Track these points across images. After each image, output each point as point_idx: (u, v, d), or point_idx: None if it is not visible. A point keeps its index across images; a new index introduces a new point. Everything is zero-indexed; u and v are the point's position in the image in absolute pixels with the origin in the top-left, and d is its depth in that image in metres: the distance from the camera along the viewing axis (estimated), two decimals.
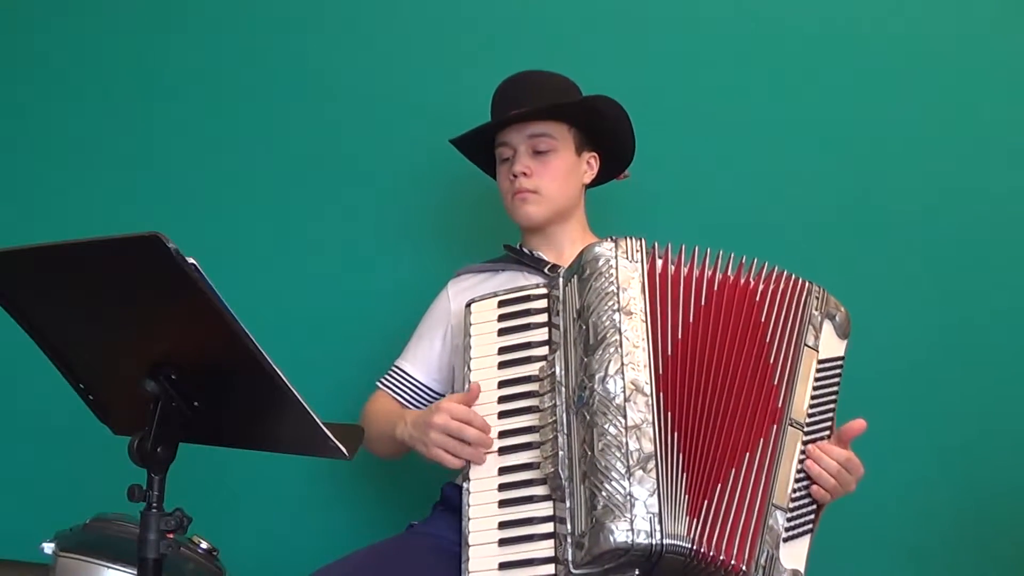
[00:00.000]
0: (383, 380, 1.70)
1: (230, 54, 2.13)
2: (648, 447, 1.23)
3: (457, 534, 1.37)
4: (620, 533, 1.18)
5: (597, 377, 1.27)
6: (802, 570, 1.29)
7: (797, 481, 1.32)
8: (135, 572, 1.11)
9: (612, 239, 1.35)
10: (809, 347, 1.37)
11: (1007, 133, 1.88)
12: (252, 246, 2.06)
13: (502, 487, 1.34)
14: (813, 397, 1.35)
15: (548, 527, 1.28)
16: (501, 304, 1.43)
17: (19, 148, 2.18)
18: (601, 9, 2.02)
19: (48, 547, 1.42)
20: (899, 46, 1.92)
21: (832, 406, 1.39)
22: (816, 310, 1.39)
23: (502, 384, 1.39)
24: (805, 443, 1.33)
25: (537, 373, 1.36)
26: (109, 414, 1.23)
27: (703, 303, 1.34)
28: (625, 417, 1.24)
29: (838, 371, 1.41)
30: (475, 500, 1.35)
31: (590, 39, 2.01)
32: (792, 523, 1.30)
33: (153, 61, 2.16)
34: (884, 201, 1.89)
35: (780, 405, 1.32)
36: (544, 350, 1.37)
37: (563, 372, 1.33)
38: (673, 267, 1.35)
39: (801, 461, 1.32)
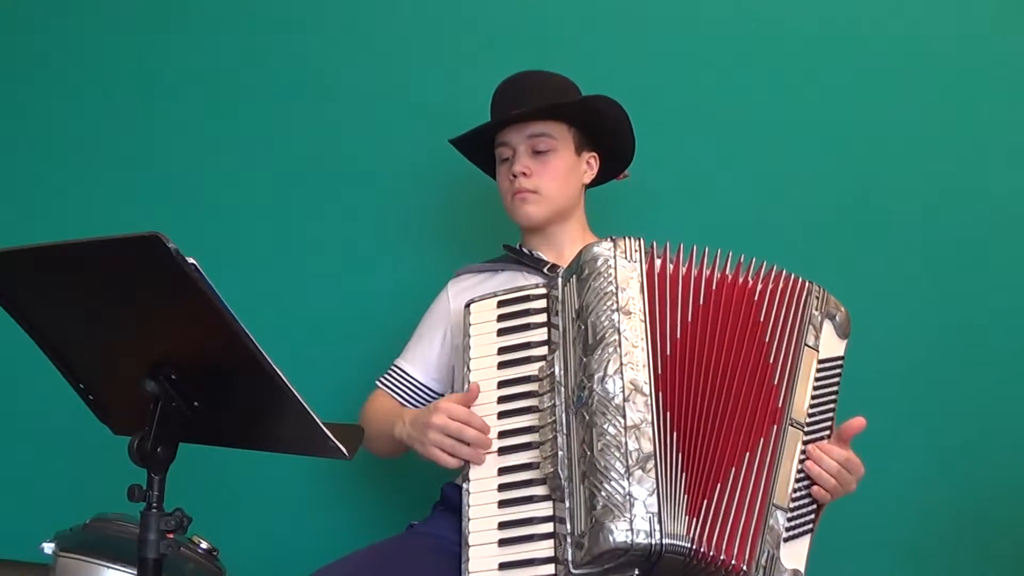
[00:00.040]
0: (382, 379, 1.70)
1: (230, 54, 2.13)
2: (647, 447, 1.23)
3: (457, 534, 1.37)
4: (619, 533, 1.19)
5: (596, 377, 1.27)
6: (802, 570, 1.29)
7: (797, 481, 1.32)
8: (135, 572, 1.11)
9: (611, 239, 1.35)
10: (809, 347, 1.37)
11: (1007, 133, 1.88)
12: (252, 246, 2.06)
13: (502, 487, 1.34)
14: (813, 397, 1.35)
15: (548, 527, 1.28)
16: (500, 304, 1.44)
17: (19, 148, 2.18)
18: (601, 9, 2.02)
19: (48, 547, 1.42)
20: (899, 46, 1.92)
21: (832, 406, 1.39)
22: (816, 310, 1.39)
23: (501, 384, 1.39)
24: (805, 443, 1.33)
25: (536, 373, 1.36)
26: (109, 414, 1.23)
27: (702, 302, 1.34)
28: (624, 417, 1.24)
29: (838, 371, 1.41)
30: (475, 500, 1.35)
31: (590, 39, 2.01)
32: (792, 523, 1.30)
33: (153, 61, 2.16)
34: (884, 201, 1.89)
35: (780, 405, 1.32)
36: (543, 350, 1.37)
37: (562, 372, 1.33)
38: (672, 267, 1.35)
39: (801, 461, 1.32)
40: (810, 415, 1.35)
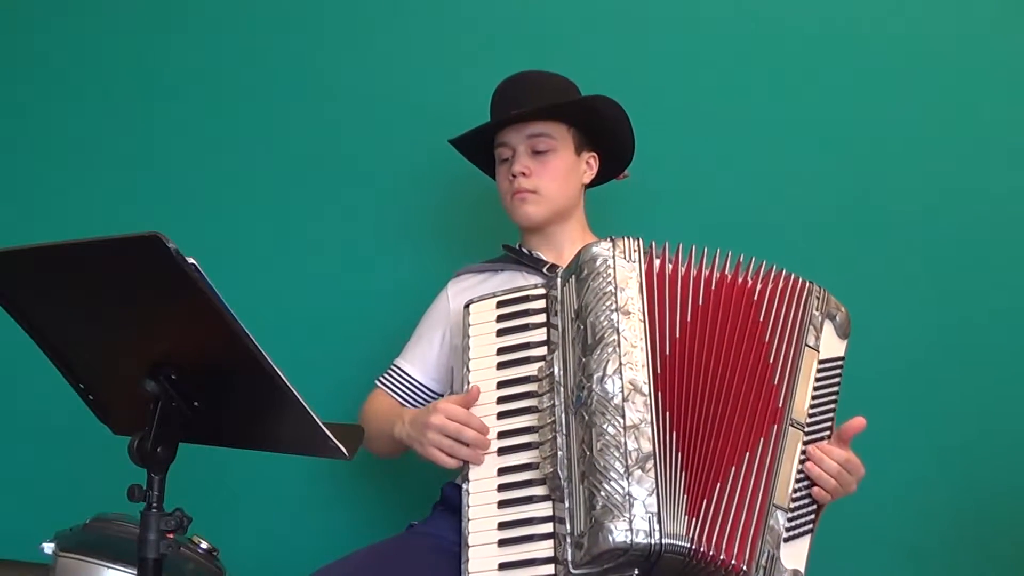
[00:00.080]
0: (382, 379, 1.70)
1: (230, 54, 2.13)
2: (647, 447, 1.23)
3: (457, 534, 1.37)
4: (619, 533, 1.19)
5: (595, 377, 1.27)
6: (802, 570, 1.29)
7: (798, 481, 1.31)
8: (135, 572, 1.12)
9: (610, 239, 1.35)
10: (810, 347, 1.37)
11: (1007, 133, 1.88)
12: (252, 246, 2.06)
13: (501, 487, 1.34)
14: (814, 397, 1.35)
15: (547, 527, 1.28)
16: (500, 305, 1.44)
17: (19, 148, 2.18)
18: (601, 9, 2.02)
19: (48, 547, 1.42)
20: (899, 46, 1.92)
21: (833, 406, 1.39)
22: (817, 310, 1.39)
23: (501, 385, 1.39)
24: (806, 443, 1.33)
25: (536, 373, 1.36)
26: (109, 414, 1.23)
27: (701, 302, 1.34)
28: (623, 417, 1.24)
29: (838, 371, 1.41)
30: (474, 501, 1.35)
31: (590, 39, 2.01)
32: (793, 523, 1.29)
33: (153, 61, 2.16)
34: (884, 201, 1.89)
35: (780, 405, 1.32)
36: (543, 350, 1.37)
37: (561, 372, 1.33)
38: (671, 267, 1.35)
39: (802, 461, 1.32)
40: (810, 415, 1.35)
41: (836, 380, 1.40)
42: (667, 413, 1.27)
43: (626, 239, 1.35)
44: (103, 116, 2.16)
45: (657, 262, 1.35)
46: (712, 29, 1.98)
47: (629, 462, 1.22)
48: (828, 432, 1.37)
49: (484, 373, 1.41)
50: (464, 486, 1.37)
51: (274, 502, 1.99)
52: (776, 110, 1.94)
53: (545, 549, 1.27)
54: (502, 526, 1.31)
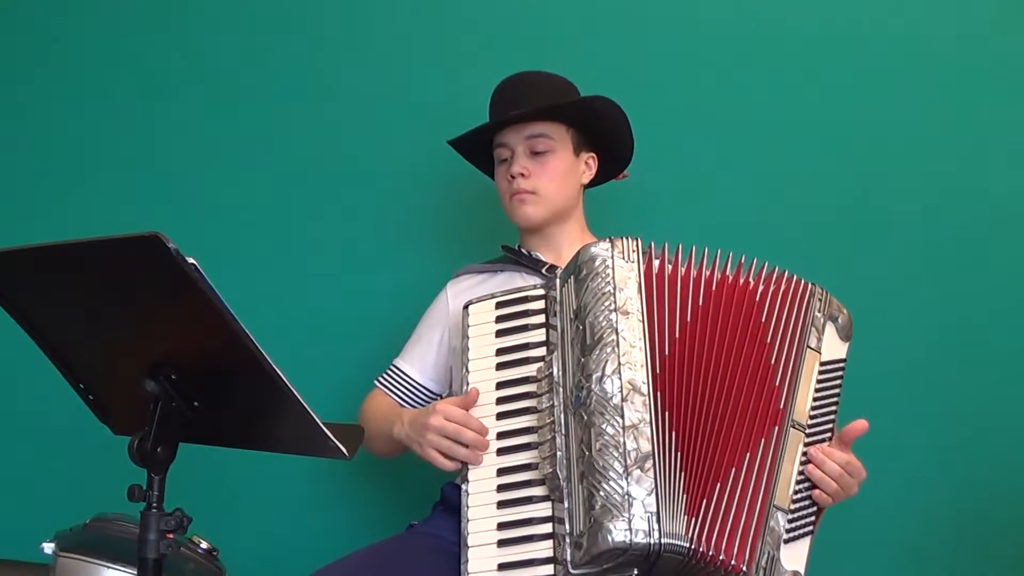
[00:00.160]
0: (381, 379, 1.70)
1: (230, 54, 2.13)
2: (646, 446, 1.23)
3: (457, 534, 1.37)
4: (618, 533, 1.19)
5: (594, 377, 1.27)
6: (802, 572, 1.29)
7: (798, 483, 1.31)
8: (135, 572, 1.12)
9: (609, 239, 1.35)
10: (812, 349, 1.37)
11: (1007, 133, 1.88)
12: (252, 246, 2.06)
13: (501, 488, 1.34)
14: (815, 399, 1.35)
15: (547, 527, 1.28)
16: (499, 305, 1.44)
17: (19, 148, 2.18)
18: (601, 9, 2.02)
19: (48, 547, 1.42)
20: (899, 46, 1.92)
21: (834, 408, 1.39)
22: (819, 312, 1.39)
23: (500, 385, 1.39)
24: (807, 445, 1.33)
25: (535, 374, 1.36)
26: (109, 414, 1.23)
27: (701, 303, 1.34)
28: (622, 417, 1.24)
29: (840, 373, 1.41)
30: (474, 501, 1.35)
31: (590, 39, 2.01)
32: (793, 524, 1.29)
33: (153, 61, 2.16)
34: (884, 201, 1.89)
35: (782, 406, 1.32)
36: (542, 351, 1.37)
37: (561, 372, 1.33)
38: (670, 267, 1.35)
39: (803, 463, 1.32)
40: (812, 417, 1.34)
41: (838, 382, 1.40)
42: (666, 413, 1.27)
43: (625, 239, 1.35)
44: (103, 116, 2.16)
45: (656, 262, 1.35)
46: (712, 29, 1.97)
47: (628, 462, 1.22)
48: (829, 434, 1.37)
49: (483, 374, 1.41)
50: (463, 486, 1.37)
51: (274, 502, 1.99)
52: (776, 110, 1.94)
53: (544, 549, 1.27)
54: (501, 526, 1.31)
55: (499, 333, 1.42)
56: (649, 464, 1.22)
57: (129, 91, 2.16)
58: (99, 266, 1.07)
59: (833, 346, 1.40)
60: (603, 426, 1.24)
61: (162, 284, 1.01)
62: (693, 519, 1.24)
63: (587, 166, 1.69)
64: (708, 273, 1.36)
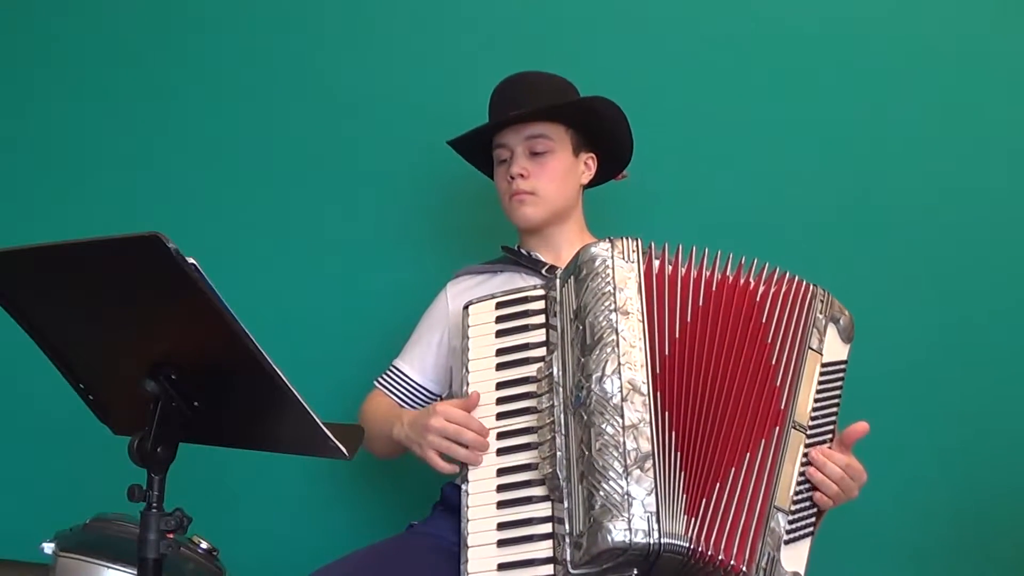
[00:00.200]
0: (380, 379, 1.70)
1: (230, 54, 2.13)
2: (645, 446, 1.23)
3: (457, 534, 1.37)
4: (618, 532, 1.18)
5: (594, 377, 1.27)
6: (802, 573, 1.29)
7: (799, 484, 1.31)
8: (135, 572, 1.12)
9: (609, 239, 1.35)
10: (813, 350, 1.37)
11: (1007, 133, 1.88)
12: (252, 246, 2.06)
13: (500, 488, 1.34)
14: (816, 400, 1.35)
15: (547, 527, 1.28)
16: (499, 306, 1.44)
17: (19, 148, 2.18)
18: (601, 9, 2.02)
19: (48, 547, 1.42)
20: (899, 46, 1.92)
21: (835, 410, 1.39)
22: (820, 313, 1.39)
23: (500, 385, 1.39)
24: (808, 446, 1.33)
25: (535, 374, 1.36)
26: (109, 414, 1.23)
27: (701, 303, 1.34)
28: (622, 417, 1.24)
29: (841, 375, 1.40)
30: (474, 501, 1.35)
31: (590, 39, 2.01)
32: (794, 525, 1.29)
33: (153, 61, 2.16)
34: (884, 201, 1.89)
35: (783, 407, 1.32)
36: (542, 351, 1.37)
37: (560, 373, 1.33)
38: (670, 267, 1.35)
39: (804, 464, 1.32)
40: (813, 418, 1.34)
41: (839, 383, 1.40)
42: (666, 413, 1.27)
43: (625, 239, 1.35)
44: (103, 116, 2.16)
45: (656, 262, 1.35)
46: (712, 29, 1.97)
47: (628, 462, 1.22)
48: (830, 435, 1.37)
49: (483, 374, 1.41)
50: (463, 487, 1.37)
51: (274, 502, 1.99)
52: (776, 110, 1.94)
53: (544, 549, 1.27)
54: (501, 526, 1.31)
55: (499, 333, 1.42)
56: (649, 464, 1.22)
57: (129, 91, 2.16)
58: (99, 266, 1.07)
59: (835, 347, 1.40)
60: (603, 426, 1.24)
61: (162, 284, 1.01)
62: (693, 519, 1.24)
63: (586, 166, 1.69)
64: (708, 273, 1.36)
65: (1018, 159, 1.87)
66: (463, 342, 1.44)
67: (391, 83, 2.06)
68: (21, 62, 2.20)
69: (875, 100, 1.91)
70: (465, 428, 1.36)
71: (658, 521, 1.20)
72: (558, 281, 1.39)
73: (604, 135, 1.68)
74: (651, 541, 1.19)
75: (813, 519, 1.33)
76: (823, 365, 1.37)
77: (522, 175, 1.61)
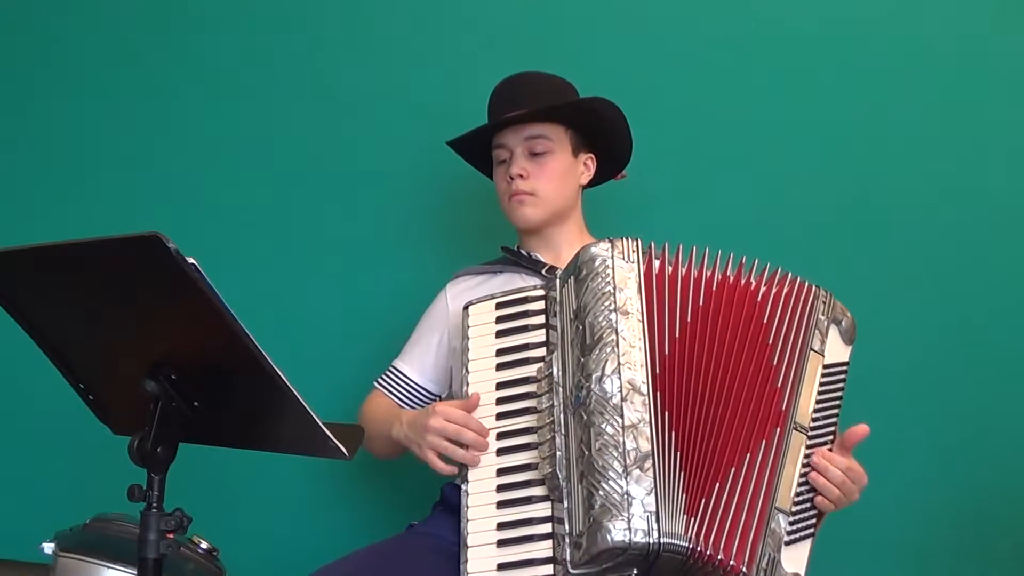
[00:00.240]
0: (380, 380, 1.70)
1: (230, 54, 2.13)
2: (645, 446, 1.23)
3: (457, 534, 1.37)
4: (617, 532, 1.18)
5: (594, 377, 1.27)
6: (803, 574, 1.29)
7: (800, 485, 1.31)
8: (135, 572, 1.12)
9: (608, 240, 1.35)
10: (814, 351, 1.37)
11: (1007, 133, 1.88)
12: (252, 246, 2.06)
13: (500, 488, 1.34)
14: (818, 402, 1.35)
15: (546, 527, 1.28)
16: (499, 306, 1.44)
17: (19, 148, 2.18)
18: (601, 9, 2.02)
19: (48, 547, 1.42)
20: (899, 46, 1.92)
21: (836, 412, 1.38)
22: (822, 315, 1.39)
23: (500, 385, 1.39)
24: (809, 447, 1.33)
25: (535, 374, 1.36)
26: (109, 414, 1.23)
27: (702, 303, 1.34)
28: (622, 416, 1.24)
29: (843, 377, 1.40)
30: (473, 501, 1.35)
31: (590, 39, 2.01)
32: (794, 526, 1.29)
33: (153, 61, 2.16)
34: (884, 201, 1.89)
35: (784, 408, 1.32)
36: (542, 351, 1.37)
37: (560, 373, 1.33)
38: (670, 267, 1.35)
39: (805, 465, 1.32)
40: (814, 420, 1.34)
41: (840, 385, 1.40)
42: (666, 413, 1.27)
43: (625, 239, 1.35)
44: (103, 116, 2.16)
45: (656, 263, 1.35)
46: (712, 29, 1.97)
47: (627, 461, 1.22)
48: (832, 437, 1.37)
49: (483, 374, 1.41)
50: (463, 487, 1.37)
51: (274, 502, 1.99)
52: (776, 110, 1.94)
53: (544, 549, 1.27)
54: (501, 526, 1.31)
55: (499, 333, 1.42)
56: (648, 464, 1.22)
57: (129, 91, 2.16)
58: (99, 266, 1.07)
59: (836, 349, 1.40)
60: (603, 426, 1.24)
61: (162, 284, 1.01)
62: (692, 519, 1.24)
63: (586, 167, 1.69)
64: (708, 274, 1.36)
65: (1018, 159, 1.87)
66: (463, 342, 1.44)
67: (391, 83, 2.06)
68: (21, 62, 2.20)
69: (875, 100, 1.91)
70: (465, 428, 1.36)
71: (657, 521, 1.20)
72: (558, 281, 1.39)
73: (603, 135, 1.68)
74: (650, 541, 1.19)
75: (814, 520, 1.33)
76: (825, 367, 1.37)
77: (521, 176, 1.61)
